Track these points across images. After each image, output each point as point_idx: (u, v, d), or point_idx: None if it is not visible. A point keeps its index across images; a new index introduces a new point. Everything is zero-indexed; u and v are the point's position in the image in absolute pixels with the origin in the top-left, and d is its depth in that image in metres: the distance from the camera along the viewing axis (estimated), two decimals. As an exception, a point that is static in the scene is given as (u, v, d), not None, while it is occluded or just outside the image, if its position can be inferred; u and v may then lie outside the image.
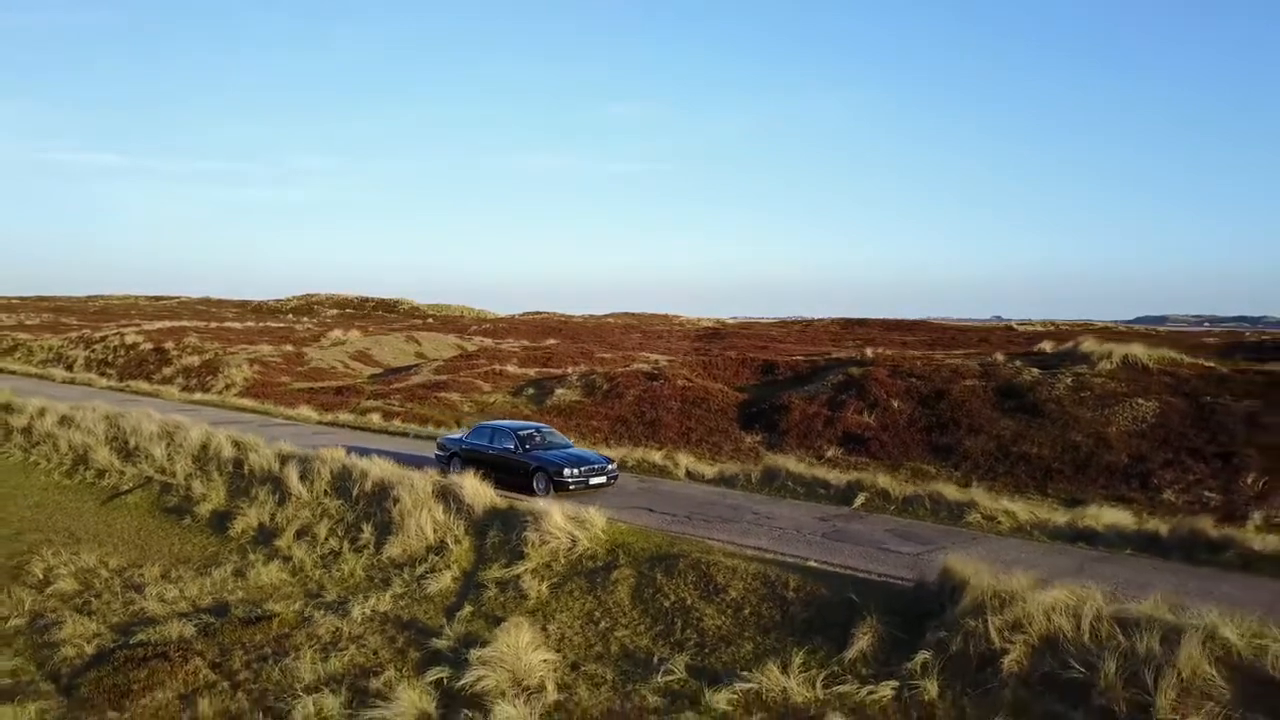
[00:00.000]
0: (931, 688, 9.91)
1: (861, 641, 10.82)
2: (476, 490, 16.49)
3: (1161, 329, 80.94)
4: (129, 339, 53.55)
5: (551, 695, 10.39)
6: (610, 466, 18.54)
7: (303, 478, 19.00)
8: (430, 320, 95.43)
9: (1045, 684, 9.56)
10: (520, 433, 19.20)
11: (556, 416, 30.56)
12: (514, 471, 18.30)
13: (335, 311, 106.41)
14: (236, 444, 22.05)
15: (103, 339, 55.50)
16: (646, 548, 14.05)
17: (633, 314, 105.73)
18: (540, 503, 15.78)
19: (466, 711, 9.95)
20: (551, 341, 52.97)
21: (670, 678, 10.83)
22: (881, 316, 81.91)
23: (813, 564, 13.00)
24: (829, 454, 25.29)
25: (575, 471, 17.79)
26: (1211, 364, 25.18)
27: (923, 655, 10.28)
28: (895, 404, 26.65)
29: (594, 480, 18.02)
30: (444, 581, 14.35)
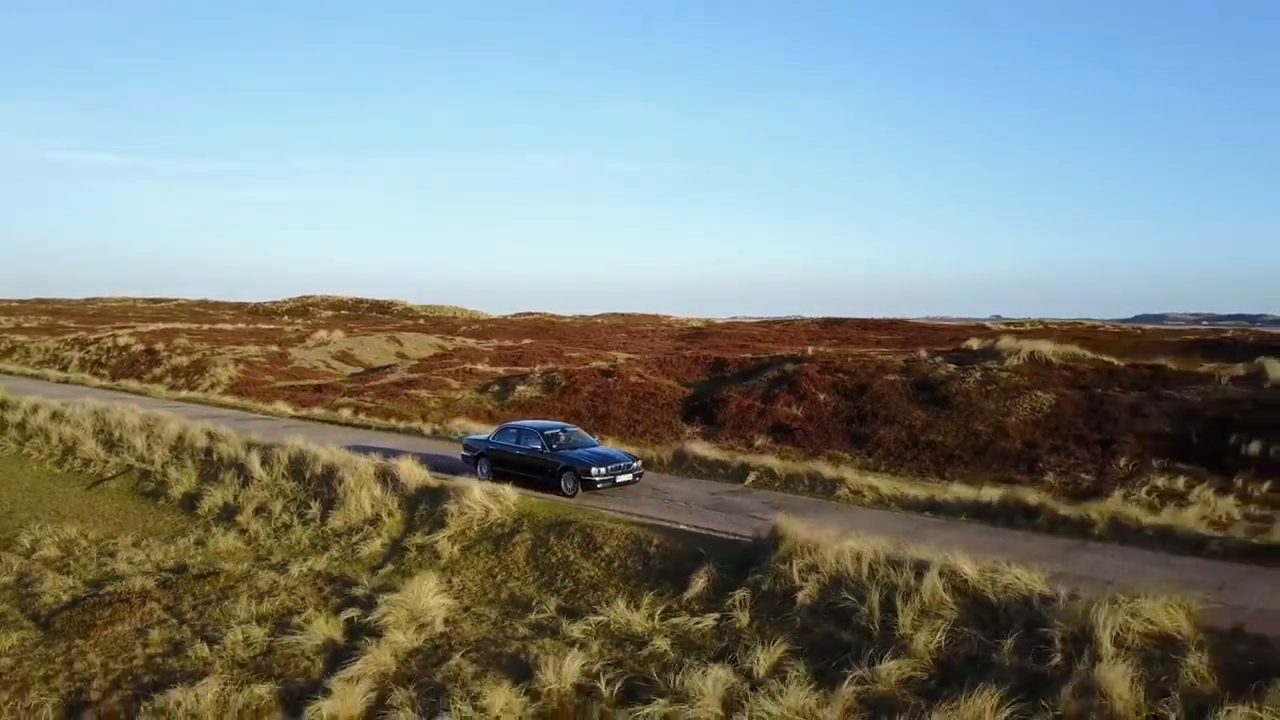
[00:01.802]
0: (743, 618, 12.38)
1: (698, 584, 13.29)
2: (410, 471, 18.97)
3: (1148, 327, 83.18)
4: (121, 341, 56.16)
5: (439, 628, 12.87)
6: (636, 465, 18.93)
7: (264, 463, 21.49)
8: (421, 321, 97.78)
9: (828, 611, 12.02)
10: (546, 433, 19.58)
11: (517, 411, 33.09)
12: (542, 471, 18.79)
13: (330, 313, 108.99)
14: (210, 435, 24.56)
15: (96, 340, 58.11)
16: (548, 516, 16.52)
17: (624, 314, 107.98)
18: (462, 480, 18.24)
19: (367, 638, 12.42)
20: (527, 341, 55.44)
21: (542, 615, 13.31)
22: (877, 317, 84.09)
23: (682, 527, 15.49)
24: (758, 443, 27.70)
25: (602, 470, 18.17)
26: (1109, 359, 27.52)
27: (741, 593, 12.76)
28: (822, 397, 29.08)
29: (621, 478, 18.39)
30: (374, 546, 16.85)
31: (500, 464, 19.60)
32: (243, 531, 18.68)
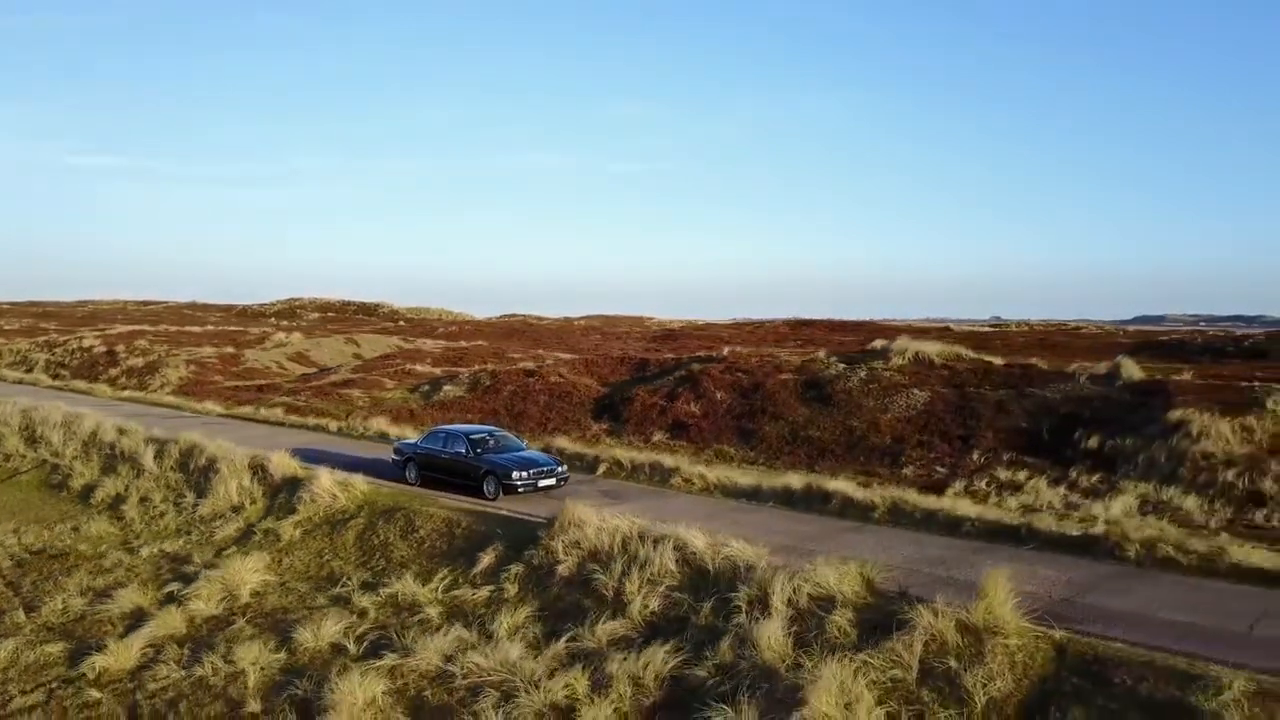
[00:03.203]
0: (512, 589, 13.95)
1: (485, 561, 14.87)
2: (281, 463, 20.59)
3: (1142, 327, 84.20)
4: (86, 343, 58.07)
5: (244, 599, 14.51)
6: (560, 469, 19.26)
7: (158, 457, 23.17)
8: (401, 323, 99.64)
9: (581, 582, 13.58)
10: (472, 436, 19.72)
11: (440, 410, 34.75)
12: (465, 475, 18.97)
13: (317, 315, 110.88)
14: (120, 431, 26.25)
15: (64, 343, 60.06)
16: (386, 504, 18.11)
17: (607, 316, 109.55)
18: (320, 470, 19.84)
19: (171, 606, 14.04)
20: (480, 343, 57.04)
21: (345, 589, 14.91)
22: (847, 319, 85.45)
23: (491, 510, 17.10)
24: (655, 438, 29.28)
25: (524, 474, 18.40)
26: (988, 359, 28.94)
27: (516, 567, 14.33)
28: (719, 395, 30.61)
29: (543, 482, 18.63)
30: (229, 530, 18.50)
31: (426, 468, 19.82)
32: (120, 518, 20.36)
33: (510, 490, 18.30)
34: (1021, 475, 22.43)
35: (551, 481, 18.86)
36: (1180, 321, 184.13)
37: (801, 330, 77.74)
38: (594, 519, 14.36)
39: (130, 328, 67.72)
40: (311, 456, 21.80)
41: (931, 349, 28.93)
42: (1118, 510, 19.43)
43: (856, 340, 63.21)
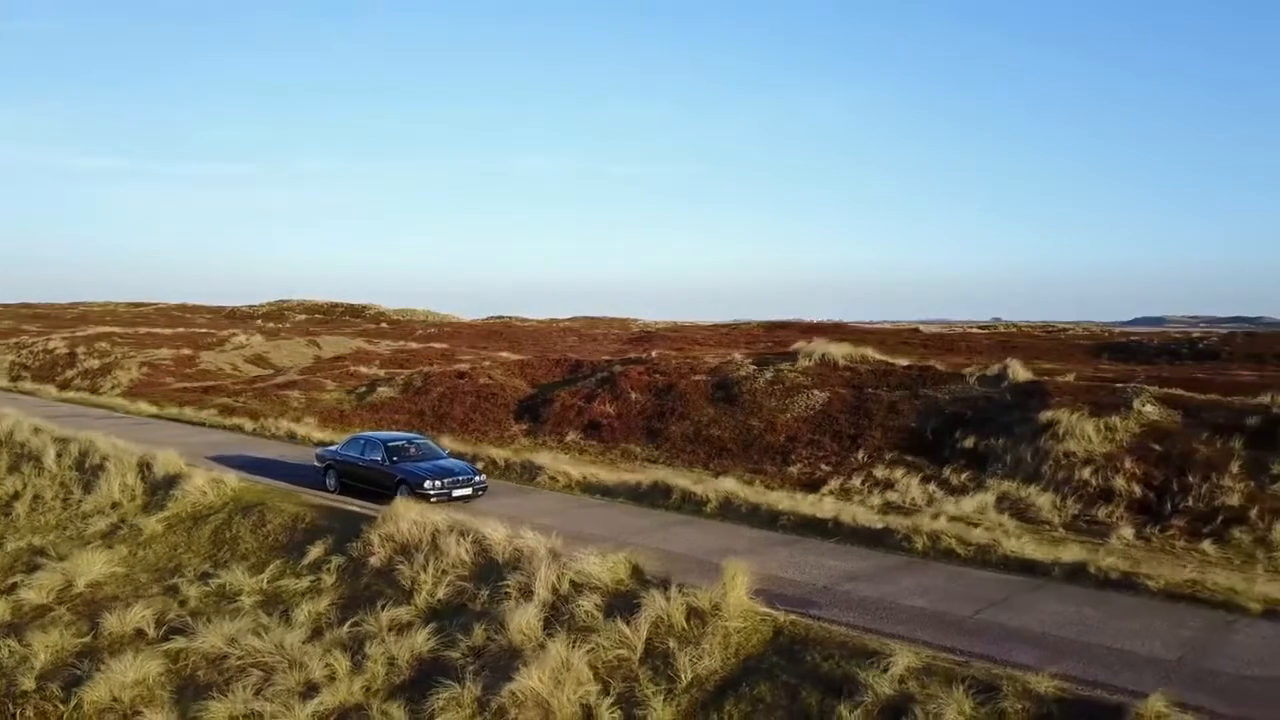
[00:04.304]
0: (329, 579, 14.83)
1: (314, 553, 15.75)
2: (166, 461, 21.50)
3: (1118, 330, 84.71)
4: (52, 344, 59.26)
5: (79, 589, 15.40)
6: (478, 478, 18.93)
7: (60, 455, 24.11)
8: (384, 325, 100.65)
9: (387, 572, 14.45)
10: (390, 444, 19.66)
11: (371, 411, 35.73)
12: (380, 484, 18.84)
13: (304, 317, 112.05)
14: (36, 430, 27.22)
15: (31, 344, 61.28)
16: (250, 500, 19.00)
17: (592, 318, 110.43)
18: (199, 468, 20.76)
19: (9, 595, 14.96)
20: (438, 345, 57.92)
21: (181, 580, 15.81)
22: (866, 319, 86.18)
23: (335, 506, 17.94)
24: (569, 438, 30.17)
25: (438, 484, 18.15)
26: (889, 360, 29.69)
27: (337, 559, 15.20)
28: (634, 396, 31.44)
29: (458, 492, 18.30)
30: (100, 526, 19.43)
31: (345, 476, 19.70)
32: (8, 514, 21.28)
33: (423, 499, 17.65)
34: (898, 473, 23.20)
35: (467, 491, 18.46)
36: (1180, 323, 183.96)
37: (775, 332, 78.42)
38: (412, 514, 15.21)
39: (99, 330, 68.95)
40: (222, 457, 22.80)
41: (837, 351, 29.71)
42: (969, 507, 20.26)
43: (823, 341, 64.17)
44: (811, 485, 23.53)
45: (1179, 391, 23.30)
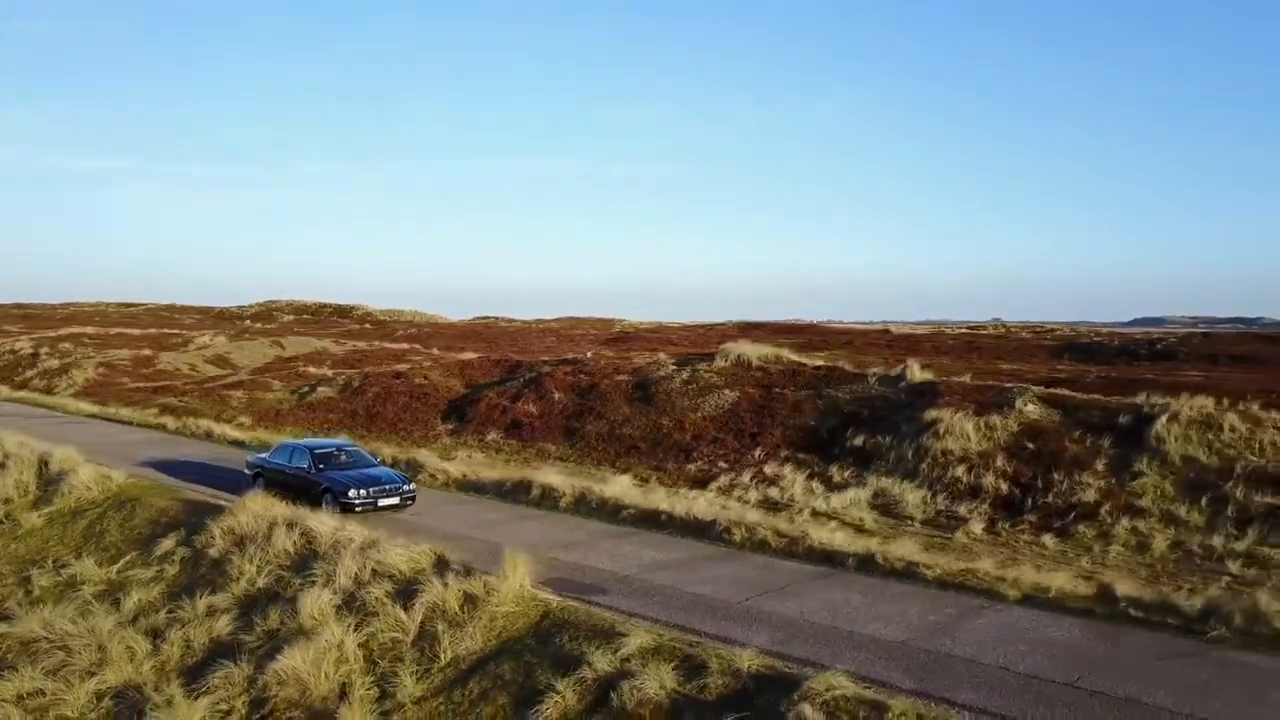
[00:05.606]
0: (172, 569, 15.58)
1: (166, 544, 16.50)
2: (64, 456, 22.29)
3: (1139, 329, 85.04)
4: (18, 345, 60.30)
5: (-65, 578, 16.16)
6: (406, 487, 18.60)
7: (-29, 453, 24.92)
8: (368, 325, 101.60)
9: (223, 561, 15.17)
10: (316, 451, 19.38)
11: (307, 410, 36.56)
12: (307, 493, 18.36)
13: (291, 317, 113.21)
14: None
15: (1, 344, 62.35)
16: (131, 495, 19.76)
17: (577, 318, 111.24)
18: (87, 464, 21.52)
19: None
20: (401, 347, 58.66)
21: (40, 571, 16.57)
22: (866, 320, 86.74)
23: (200, 498, 18.67)
24: (490, 437, 30.91)
25: (363, 493, 17.81)
26: (800, 361, 30.33)
27: (183, 550, 15.93)
28: (558, 396, 32.15)
29: (384, 501, 18.01)
30: (-15, 520, 20.18)
31: (273, 484, 19.19)
32: (-94, 510, 22.08)
33: (349, 509, 17.48)
34: (786, 470, 23.85)
35: (394, 500, 18.18)
36: (1179, 323, 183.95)
37: (750, 331, 79.20)
38: (254, 507, 15.95)
39: (69, 330, 70.04)
40: (130, 456, 23.58)
41: (752, 352, 30.36)
42: (840, 503, 20.93)
43: (805, 341, 64.86)
44: (703, 482, 24.21)
45: (1063, 392, 23.89)
